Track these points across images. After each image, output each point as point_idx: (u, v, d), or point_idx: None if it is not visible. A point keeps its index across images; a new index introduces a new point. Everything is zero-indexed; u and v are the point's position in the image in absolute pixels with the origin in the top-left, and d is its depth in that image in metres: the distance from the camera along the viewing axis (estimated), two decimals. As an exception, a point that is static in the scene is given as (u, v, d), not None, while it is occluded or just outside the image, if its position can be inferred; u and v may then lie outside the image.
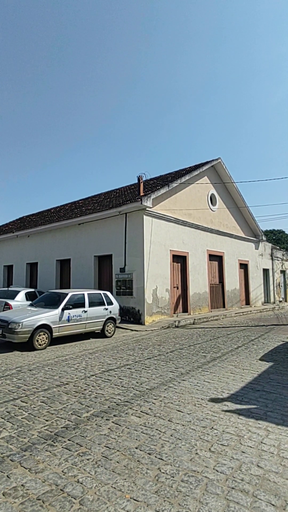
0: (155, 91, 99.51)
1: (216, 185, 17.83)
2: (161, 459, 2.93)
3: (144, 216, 12.66)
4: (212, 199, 17.60)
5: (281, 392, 4.72)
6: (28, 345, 7.97)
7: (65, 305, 8.75)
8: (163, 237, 13.56)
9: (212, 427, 3.57)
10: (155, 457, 2.97)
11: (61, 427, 3.56)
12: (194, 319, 13.46)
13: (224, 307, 17.62)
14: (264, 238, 22.33)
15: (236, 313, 16.53)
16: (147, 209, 12.63)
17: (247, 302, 20.16)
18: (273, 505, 2.34)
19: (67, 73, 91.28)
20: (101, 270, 14.59)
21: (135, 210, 12.79)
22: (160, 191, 13.18)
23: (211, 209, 17.27)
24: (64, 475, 2.67)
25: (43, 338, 8.13)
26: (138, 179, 13.45)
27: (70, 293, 9.18)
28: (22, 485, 2.53)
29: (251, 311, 17.84)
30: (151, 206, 12.70)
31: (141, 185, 13.25)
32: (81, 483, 2.56)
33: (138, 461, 2.90)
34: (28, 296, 11.58)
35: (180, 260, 14.78)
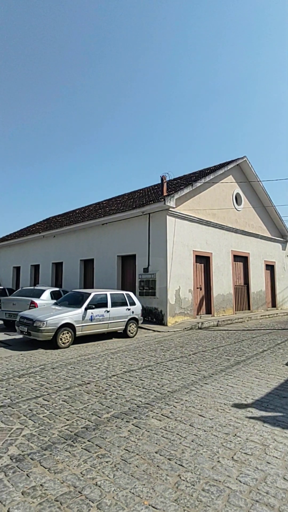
0: (191, 88, 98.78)
1: (241, 184, 17.43)
2: (182, 465, 2.85)
3: (167, 217, 12.56)
4: (237, 199, 17.21)
5: (309, 400, 4.49)
6: (52, 343, 8.10)
7: (88, 304, 8.82)
8: (186, 238, 13.40)
9: (235, 434, 3.44)
10: (175, 463, 2.89)
11: (81, 427, 3.56)
12: (218, 321, 13.20)
13: (249, 309, 17.17)
14: (291, 239, 21.56)
15: (261, 316, 16.06)
16: (170, 209, 12.52)
17: (273, 305, 19.55)
18: (300, 522, 2.20)
19: (106, 79, 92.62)
20: (124, 270, 14.63)
21: (158, 210, 12.72)
22: (184, 191, 13.03)
23: (236, 208, 16.89)
24: (82, 476, 2.65)
25: (66, 336, 8.24)
26: (162, 179, 13.36)
27: (93, 293, 9.25)
28: (41, 484, 2.53)
29: (277, 313, 17.28)
30: (174, 206, 12.59)
31: (165, 185, 13.16)
32: (99, 486, 2.52)
33: (157, 466, 2.83)
34: (53, 295, 11.78)
35: (203, 260, 14.55)
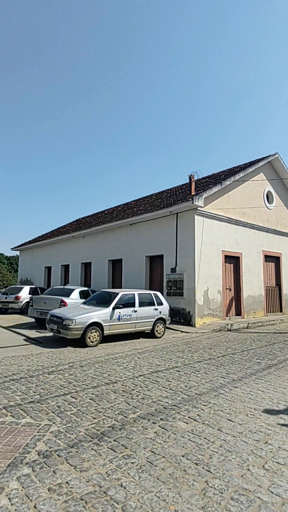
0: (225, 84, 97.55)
1: (273, 181, 16.83)
2: (209, 471, 2.75)
3: (195, 216, 12.38)
4: (269, 197, 16.64)
5: None
6: (80, 342, 8.23)
7: (115, 304, 8.87)
8: (215, 237, 13.14)
9: (267, 442, 3.29)
10: (203, 468, 2.80)
11: (108, 427, 3.55)
12: (248, 323, 12.81)
13: (281, 311, 16.54)
14: None
15: (295, 318, 15.39)
16: (198, 208, 12.33)
17: (308, 307, 18.66)
18: None
19: (137, 79, 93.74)
20: (152, 270, 14.60)
21: (186, 209, 12.57)
22: (212, 189, 12.78)
23: (267, 207, 16.34)
24: (108, 476, 2.63)
25: (94, 335, 8.34)
26: (190, 178, 13.20)
27: (121, 292, 9.29)
28: (67, 482, 2.54)
29: (312, 316, 16.48)
30: (203, 206, 12.38)
31: (193, 184, 12.99)
32: (125, 488, 2.49)
33: (184, 470, 2.75)
34: (82, 295, 12.00)
35: (232, 260, 14.20)
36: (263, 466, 2.85)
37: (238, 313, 14.18)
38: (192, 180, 13.09)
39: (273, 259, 16.60)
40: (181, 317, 12.53)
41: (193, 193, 12.63)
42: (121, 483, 2.55)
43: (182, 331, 11.06)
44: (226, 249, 13.71)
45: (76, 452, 3.01)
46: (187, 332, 10.88)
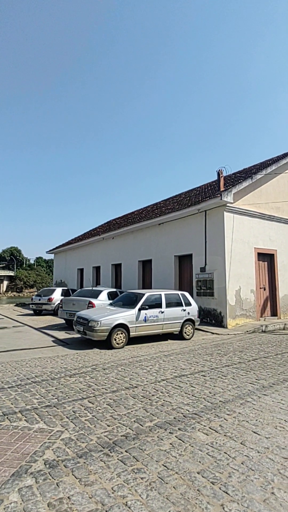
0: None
1: (309, 173, 15.76)
2: (227, 492, 2.46)
3: (225, 213, 11.88)
4: (305, 189, 15.60)
5: None
6: (106, 343, 8.14)
7: (141, 305, 8.69)
8: (246, 234, 12.53)
9: (296, 460, 2.91)
10: (219, 488, 2.50)
11: (121, 435, 3.35)
12: (285, 324, 12.06)
13: None
14: None
15: None
16: (227, 205, 11.83)
17: None
18: None
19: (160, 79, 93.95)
20: (182, 270, 14.25)
21: (215, 206, 12.11)
22: (242, 184, 12.21)
23: (304, 200, 15.32)
24: (113, 493, 2.43)
25: (120, 337, 8.21)
26: (218, 174, 12.72)
27: (147, 293, 9.10)
28: (68, 497, 2.37)
29: None
30: (232, 202, 11.85)
31: (221, 179, 12.49)
32: (129, 508, 2.27)
33: (198, 490, 2.48)
34: (110, 296, 11.96)
35: (266, 258, 13.47)
36: (290, 489, 2.50)
37: (274, 313, 13.41)
38: (221, 175, 12.59)
39: (312, 256, 15.52)
40: (212, 318, 12.08)
41: (222, 189, 12.14)
42: (126, 502, 2.33)
43: (212, 333, 10.63)
44: (259, 246, 13.02)
45: (84, 463, 2.84)
46: (218, 334, 10.44)
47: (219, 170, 12.64)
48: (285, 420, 3.75)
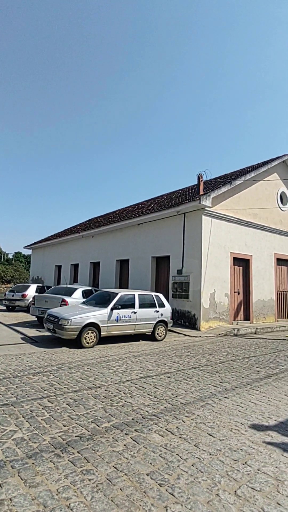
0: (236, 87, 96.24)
1: (287, 182, 16.20)
2: (172, 494, 2.46)
3: (203, 216, 12.01)
4: (283, 198, 16.04)
5: None
6: (76, 342, 8.04)
7: (114, 304, 8.65)
8: (223, 239, 12.71)
9: (246, 463, 2.96)
10: (166, 490, 2.51)
11: (76, 436, 3.31)
12: (256, 328, 12.32)
13: (293, 317, 15.87)
14: None
15: (307, 325, 14.72)
16: (206, 208, 11.96)
17: None
18: None
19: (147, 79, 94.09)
20: (158, 272, 14.30)
21: (194, 209, 12.22)
22: (221, 189, 12.38)
23: (280, 208, 15.74)
24: (57, 495, 2.38)
25: (91, 336, 8.13)
26: (198, 178, 12.84)
27: (121, 293, 9.06)
28: (10, 499, 2.31)
29: None
30: (211, 206, 12.00)
31: (201, 183, 12.62)
32: (71, 510, 2.24)
33: (144, 492, 2.47)
34: (85, 294, 11.83)
35: (242, 263, 13.72)
36: (235, 492, 2.54)
37: (247, 317, 13.68)
38: (201, 179, 12.73)
39: (285, 263, 15.97)
40: (186, 320, 12.18)
41: (201, 193, 12.27)
42: (69, 504, 2.29)
43: (185, 335, 10.72)
44: (235, 251, 13.25)
45: (33, 463, 2.78)
46: (190, 336, 10.53)
47: (199, 174, 12.77)
48: (241, 423, 3.81)
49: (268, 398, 4.73)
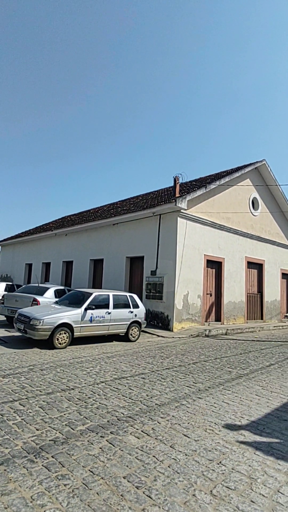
0: (209, 93, 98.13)
1: (259, 188, 16.79)
2: (150, 496, 2.46)
3: (178, 218, 12.15)
4: (254, 203, 16.58)
5: (313, 425, 3.98)
6: (48, 343, 7.85)
7: (88, 305, 8.53)
8: (198, 241, 12.93)
9: (220, 462, 3.01)
10: (143, 493, 2.50)
11: (49, 440, 3.22)
12: (227, 329, 12.64)
13: (262, 318, 16.46)
14: (311, 247, 20.64)
15: (274, 326, 15.33)
16: (181, 211, 12.11)
17: (289, 315, 18.66)
18: None
19: (124, 75, 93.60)
20: (133, 272, 14.30)
21: (169, 211, 12.33)
22: (196, 192, 12.59)
23: (252, 213, 16.27)
24: (31, 502, 2.30)
25: (63, 337, 7.97)
26: (174, 180, 12.96)
27: (95, 293, 8.95)
28: (-19, 508, 2.20)
29: (292, 325, 16.46)
30: (186, 208, 12.17)
31: (177, 186, 12.76)
32: (47, 517, 2.17)
33: (121, 495, 2.45)
34: (57, 294, 11.58)
35: (215, 265, 14.03)
36: (211, 491, 2.57)
37: (218, 319, 14.00)
38: (177, 182, 12.86)
39: (255, 266, 16.52)
40: (159, 321, 12.26)
41: (177, 195, 12.40)
42: (44, 511, 2.22)
43: (158, 335, 10.78)
44: (209, 253, 13.52)
45: (5, 470, 2.67)
46: (163, 337, 10.60)
47: (176, 176, 12.90)
48: (215, 423, 3.88)
49: (240, 398, 4.86)
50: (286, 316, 16.60)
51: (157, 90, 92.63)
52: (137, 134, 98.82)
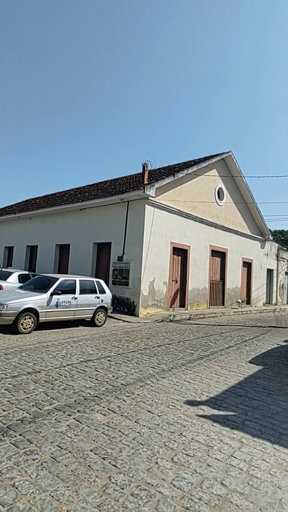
0: (161, 82, 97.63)
1: (225, 179, 17.28)
2: (115, 466, 2.63)
3: (146, 206, 12.25)
4: (220, 193, 17.08)
5: (264, 399, 4.37)
6: (12, 328, 7.73)
7: (54, 290, 8.47)
8: (165, 229, 13.16)
9: (181, 434, 3.25)
10: (109, 463, 2.66)
11: (17, 420, 3.28)
12: (190, 315, 13.13)
13: (223, 304, 17.23)
14: (271, 238, 21.76)
15: (235, 312, 16.14)
16: (149, 198, 12.22)
17: (248, 302, 19.72)
18: (229, 534, 2.01)
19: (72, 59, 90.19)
20: (100, 258, 14.29)
21: (137, 198, 12.39)
22: (165, 180, 12.73)
23: (217, 203, 16.77)
24: (1, 475, 2.38)
25: (28, 322, 7.88)
26: (143, 167, 12.99)
27: (61, 278, 8.89)
28: None
29: (250, 311, 17.43)
30: (154, 196, 12.29)
31: (146, 173, 12.81)
32: (17, 488, 2.26)
33: (88, 466, 2.59)
34: (21, 279, 11.36)
35: (181, 253, 14.39)
36: (172, 458, 2.80)
37: (182, 304, 14.46)
38: (146, 169, 12.90)
39: (219, 254, 17.15)
40: (125, 306, 12.44)
41: (145, 182, 12.46)
42: (14, 483, 2.31)
43: (124, 321, 10.97)
44: (175, 241, 13.82)
45: (-28, 449, 2.70)
46: (129, 322, 10.82)
47: (145, 163, 12.92)
48: (177, 400, 4.13)
49: (201, 377, 5.17)
50: (238, 301, 17.50)
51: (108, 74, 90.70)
52: (106, 123, 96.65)
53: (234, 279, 18.22)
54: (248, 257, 19.59)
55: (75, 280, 9.15)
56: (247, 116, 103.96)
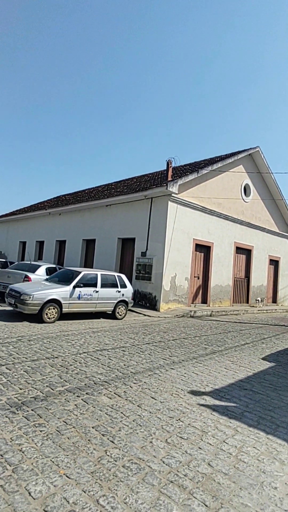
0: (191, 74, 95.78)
1: (251, 175, 16.97)
2: (113, 441, 2.89)
3: (169, 202, 12.40)
4: (246, 190, 16.81)
5: (269, 394, 4.46)
6: (37, 317, 8.25)
7: (77, 283, 8.90)
8: (187, 225, 13.24)
9: (179, 419, 3.46)
10: (108, 439, 2.93)
11: (31, 397, 3.64)
12: (212, 311, 13.16)
13: (247, 302, 17.03)
14: (300, 235, 21.07)
15: (259, 310, 15.92)
16: (172, 195, 12.34)
17: (274, 300, 19.32)
18: (206, 505, 2.21)
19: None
20: (124, 253, 14.64)
21: (161, 195, 12.56)
22: (188, 177, 12.78)
23: (243, 199, 16.52)
24: (11, 441, 2.73)
25: (52, 312, 8.37)
26: (167, 164, 13.13)
27: (83, 271, 9.31)
28: None
29: (276, 309, 17.09)
30: (177, 192, 12.39)
31: (170, 170, 12.94)
32: (23, 452, 2.59)
33: (88, 440, 2.88)
34: (49, 271, 11.92)
35: (203, 250, 14.40)
36: (166, 440, 3.02)
37: (204, 301, 14.50)
38: (170, 165, 13.03)
39: (244, 252, 16.93)
40: (147, 301, 12.71)
41: (169, 179, 12.60)
42: (21, 448, 2.65)
43: (144, 315, 11.25)
44: (198, 237, 13.86)
45: (-11, 418, 3.08)
46: (149, 316, 11.08)
47: (169, 160, 13.06)
48: (181, 389, 4.33)
49: (209, 370, 5.33)
50: (257, 300, 17.15)
51: (162, 74, 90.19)
52: (137, 116, 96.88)
53: (260, 276, 17.92)
54: (276, 254, 19.15)
55: (96, 274, 9.53)
56: (276, 108, 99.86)
